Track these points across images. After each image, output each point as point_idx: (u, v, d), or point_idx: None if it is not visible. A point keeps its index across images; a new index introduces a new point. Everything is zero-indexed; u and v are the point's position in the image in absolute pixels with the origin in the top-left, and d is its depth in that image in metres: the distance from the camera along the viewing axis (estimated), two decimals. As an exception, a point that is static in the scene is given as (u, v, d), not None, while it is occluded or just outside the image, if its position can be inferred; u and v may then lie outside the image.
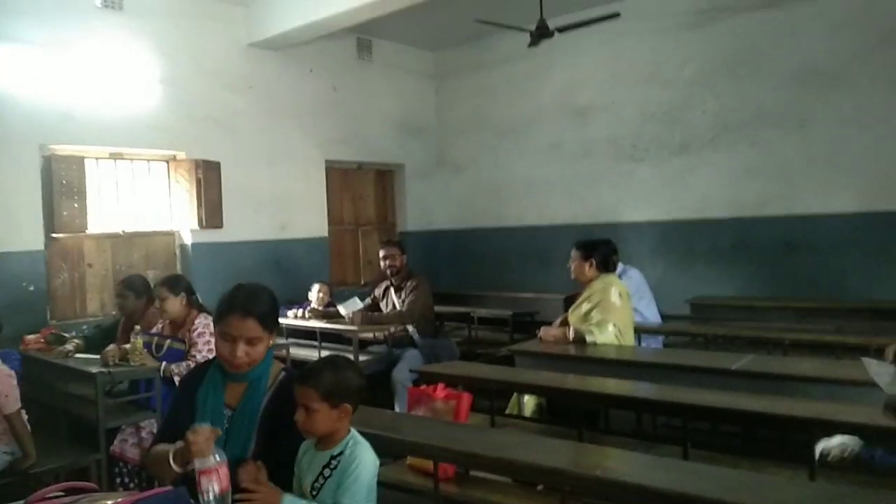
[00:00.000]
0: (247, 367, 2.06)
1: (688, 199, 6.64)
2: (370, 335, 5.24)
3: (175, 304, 3.84)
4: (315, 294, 6.03)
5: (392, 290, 5.47)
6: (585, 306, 4.08)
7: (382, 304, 5.52)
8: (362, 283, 7.64)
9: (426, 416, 3.05)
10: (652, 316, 4.89)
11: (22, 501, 1.65)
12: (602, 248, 4.11)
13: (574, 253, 4.17)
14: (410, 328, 5.23)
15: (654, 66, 6.81)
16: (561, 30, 5.94)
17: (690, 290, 6.20)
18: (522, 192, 7.78)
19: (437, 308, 5.78)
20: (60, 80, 5.36)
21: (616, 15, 5.85)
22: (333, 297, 6.06)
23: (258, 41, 6.54)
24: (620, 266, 4.55)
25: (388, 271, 5.45)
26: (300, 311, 5.82)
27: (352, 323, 5.23)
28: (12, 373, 3.40)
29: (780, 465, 2.60)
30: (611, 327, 3.92)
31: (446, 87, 8.52)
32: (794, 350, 3.97)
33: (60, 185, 5.37)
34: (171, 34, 6.05)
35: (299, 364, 5.02)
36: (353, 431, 1.98)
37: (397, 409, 4.61)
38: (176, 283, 3.91)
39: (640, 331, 4.39)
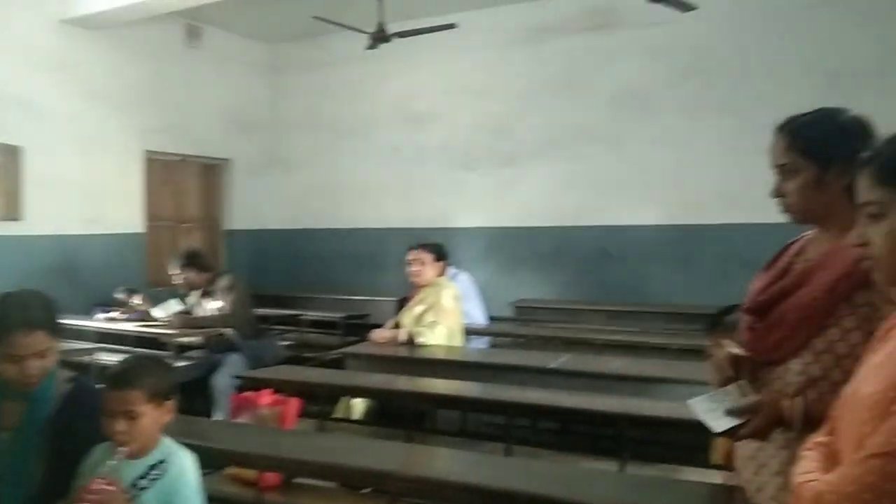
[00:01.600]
0: (37, 381, 1.82)
1: (514, 208, 6.95)
2: (188, 340, 4.92)
3: None
4: (126, 295, 5.53)
5: (204, 298, 5.11)
6: (419, 308, 4.13)
7: (197, 312, 5.15)
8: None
9: (250, 424, 2.92)
10: (479, 318, 5.06)
11: None
12: (443, 252, 4.19)
13: (419, 254, 4.19)
14: (229, 332, 4.96)
15: (487, 80, 7.06)
16: (400, 35, 5.99)
17: (514, 293, 6.49)
18: (357, 195, 7.73)
19: (265, 310, 5.58)
20: None
21: (453, 26, 5.99)
22: (147, 298, 5.63)
23: (73, 18, 5.95)
24: (451, 270, 4.67)
25: (182, 288, 5.16)
26: (113, 314, 5.36)
27: (170, 326, 4.89)
28: None
29: (595, 457, 2.77)
30: (442, 329, 4.00)
31: (281, 82, 8.27)
32: (606, 349, 4.28)
33: None
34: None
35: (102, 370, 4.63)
36: (164, 436, 1.83)
37: (217, 415, 4.37)
38: None
39: (468, 332, 4.52)
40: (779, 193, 1.60)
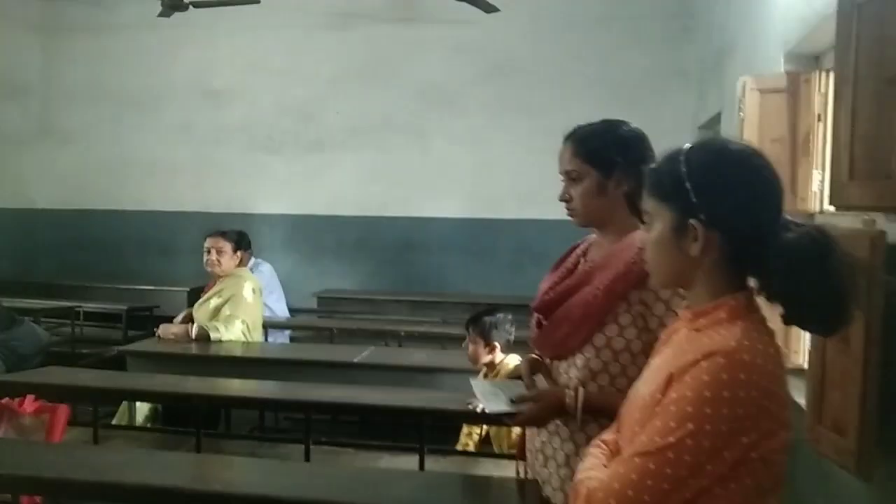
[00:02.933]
0: None
1: (319, 195, 6.79)
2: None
3: None
4: None
5: None
6: (215, 301, 3.86)
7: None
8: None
9: (8, 438, 2.55)
10: (280, 311, 4.87)
11: None
12: (244, 240, 3.94)
13: (217, 241, 3.89)
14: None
15: (292, 61, 6.80)
16: (196, 5, 5.57)
17: (318, 284, 6.36)
18: (145, 173, 7.09)
19: (32, 301, 4.93)
20: None
21: (255, 1, 5.68)
22: None
23: None
24: (252, 259, 4.43)
25: None
26: None
27: None
28: None
29: (396, 452, 2.77)
30: (239, 324, 3.77)
31: (57, 45, 7.32)
32: (408, 341, 4.31)
33: None
34: None
35: None
36: None
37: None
38: None
39: (268, 326, 4.32)
40: (565, 198, 1.69)
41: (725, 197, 1.10)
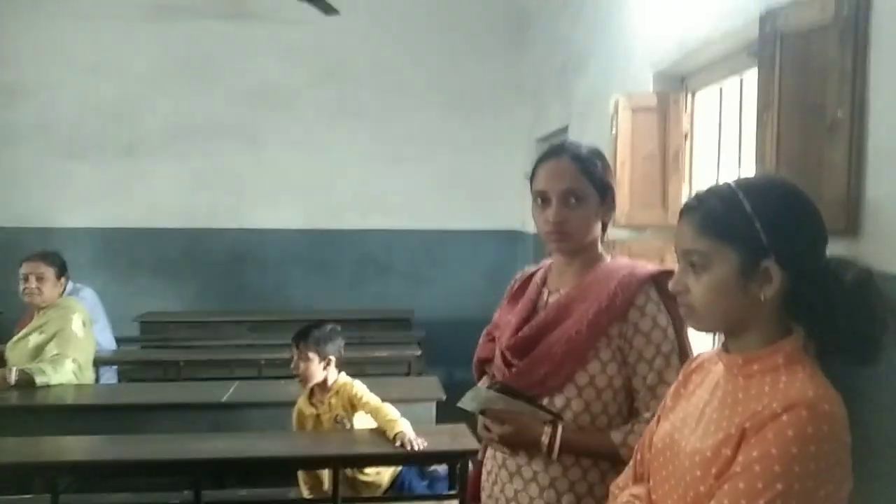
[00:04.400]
0: None
1: (135, 206, 6.05)
2: None
3: None
4: None
5: None
6: (36, 338, 3.22)
7: None
8: None
9: None
10: (107, 342, 4.21)
11: None
12: (64, 265, 3.33)
13: (38, 267, 3.25)
14: None
15: (101, 55, 5.98)
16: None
17: (137, 306, 5.62)
18: None
19: None
20: None
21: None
22: None
23: None
24: (71, 285, 3.77)
25: None
26: None
27: None
28: None
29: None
30: (69, 363, 3.18)
31: None
32: (270, 369, 3.91)
33: None
34: None
35: None
36: None
37: None
38: None
39: (97, 363, 3.70)
40: (560, 218, 1.55)
41: (796, 236, 1.06)
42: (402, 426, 2.59)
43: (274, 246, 6.14)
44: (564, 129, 4.80)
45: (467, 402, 1.62)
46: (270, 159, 6.14)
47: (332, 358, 2.82)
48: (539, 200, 1.60)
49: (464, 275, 6.03)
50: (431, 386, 3.34)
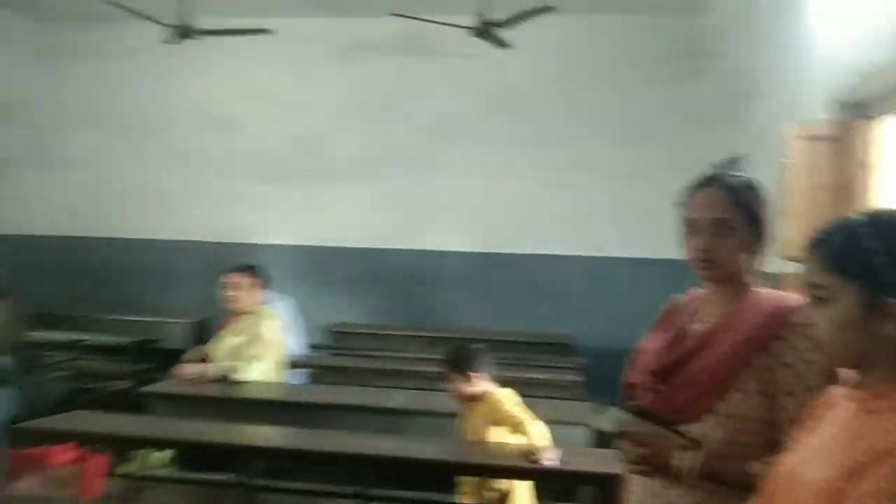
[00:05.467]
0: None
1: (326, 226, 6.70)
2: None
3: None
4: None
5: None
6: (234, 339, 3.71)
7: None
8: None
9: (38, 493, 2.39)
10: (299, 348, 4.72)
11: None
12: (264, 274, 3.81)
13: (237, 277, 3.76)
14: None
15: (299, 92, 6.74)
16: (207, 33, 5.51)
17: (327, 317, 6.21)
18: (146, 201, 6.94)
19: (32, 336, 4.74)
20: None
21: (267, 31, 5.64)
22: None
23: None
24: (270, 294, 4.29)
25: None
26: None
27: None
28: None
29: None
30: (263, 364, 3.63)
31: (58, 68, 7.18)
32: (435, 382, 4.15)
33: None
34: None
35: None
36: None
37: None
38: None
39: (290, 364, 4.17)
40: (708, 247, 1.59)
41: None
42: (537, 440, 2.68)
43: (446, 267, 6.47)
44: (738, 158, 4.64)
45: (604, 423, 1.68)
46: (445, 185, 6.51)
47: (475, 375, 2.97)
48: (689, 228, 1.64)
49: (626, 303, 5.96)
50: (585, 411, 3.39)
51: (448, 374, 2.97)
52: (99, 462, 2.48)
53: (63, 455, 2.48)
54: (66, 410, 3.09)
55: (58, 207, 7.07)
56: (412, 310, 6.45)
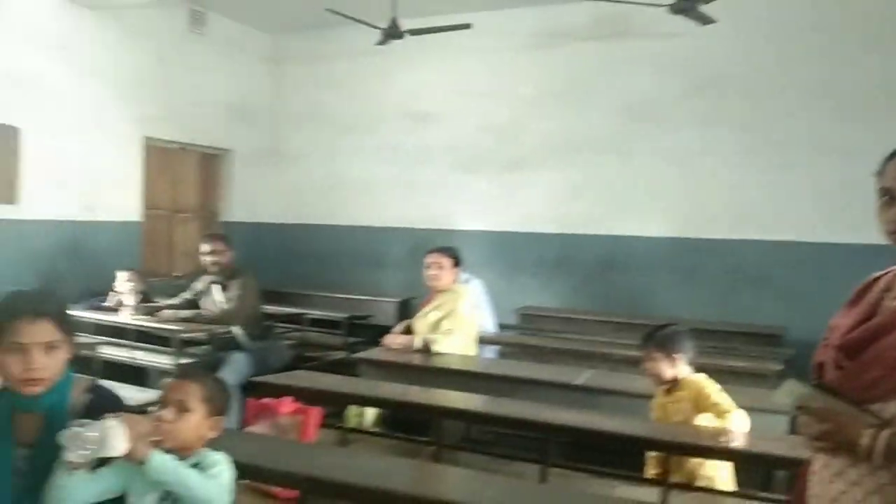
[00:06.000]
0: (46, 385, 1.70)
1: (518, 213, 6.87)
2: (193, 335, 4.78)
3: None
4: (123, 284, 5.41)
5: (215, 287, 5.06)
6: (434, 315, 4.02)
7: (204, 302, 5.09)
8: (176, 274, 7.00)
9: (269, 434, 2.80)
10: (490, 326, 4.96)
11: None
12: (459, 256, 4.09)
13: (438, 257, 4.08)
14: (237, 330, 4.85)
15: (495, 82, 6.97)
16: (413, 32, 5.88)
17: (517, 300, 6.40)
18: (358, 191, 7.60)
19: (265, 308, 5.43)
20: None
21: (468, 26, 5.89)
22: (147, 288, 5.52)
23: (77, -5, 5.76)
24: (464, 275, 4.57)
25: (212, 267, 5.04)
26: (115, 305, 5.25)
27: (174, 321, 4.78)
28: None
29: (633, 482, 2.70)
30: (458, 338, 3.90)
31: (284, 73, 8.11)
32: (622, 365, 4.18)
33: None
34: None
35: (112, 366, 4.49)
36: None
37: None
38: None
39: (479, 341, 4.41)
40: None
41: None
42: (734, 424, 2.61)
43: (641, 253, 6.34)
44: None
45: (781, 397, 1.63)
46: (641, 170, 6.37)
47: (679, 356, 2.94)
48: (885, 198, 1.55)
49: (838, 293, 5.42)
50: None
51: (650, 353, 2.96)
52: (315, 414, 2.84)
53: (286, 406, 2.88)
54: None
55: (284, 198, 7.98)
56: (604, 295, 6.41)
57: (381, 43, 6.00)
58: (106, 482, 1.70)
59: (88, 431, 1.57)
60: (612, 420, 2.88)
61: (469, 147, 7.09)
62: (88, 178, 6.08)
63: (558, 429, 2.77)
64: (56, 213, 5.80)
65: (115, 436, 1.59)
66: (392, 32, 5.92)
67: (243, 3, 6.83)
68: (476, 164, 7.06)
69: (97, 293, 5.50)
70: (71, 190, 5.93)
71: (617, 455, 2.98)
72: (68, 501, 1.65)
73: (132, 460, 1.64)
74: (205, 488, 1.70)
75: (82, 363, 4.23)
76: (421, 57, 7.02)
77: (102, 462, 1.68)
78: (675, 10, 5.07)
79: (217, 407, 1.83)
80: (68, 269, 5.77)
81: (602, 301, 6.37)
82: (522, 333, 5.53)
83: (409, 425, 3.49)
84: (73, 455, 1.57)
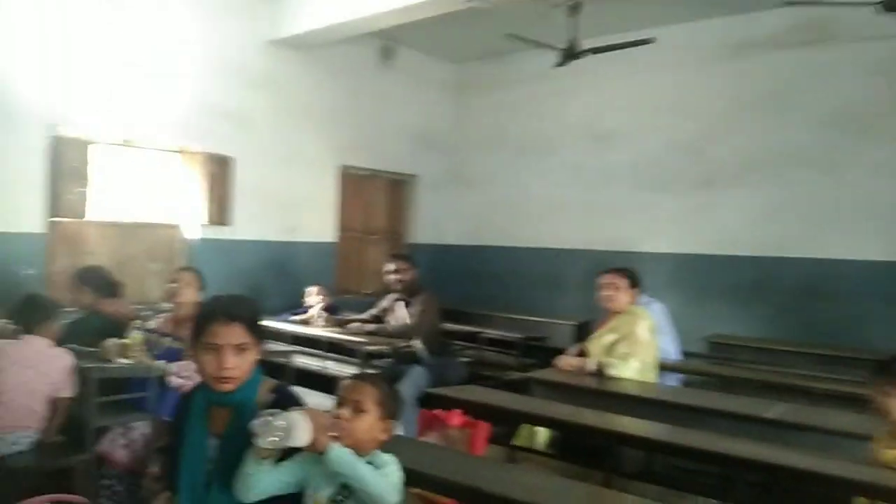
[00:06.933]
0: (235, 383, 1.88)
1: (708, 234, 6.48)
2: (377, 348, 5.03)
3: (193, 295, 3.72)
4: (312, 298, 5.85)
5: (399, 304, 5.30)
6: (610, 337, 3.88)
7: (388, 318, 5.36)
8: (365, 292, 7.42)
9: (439, 444, 2.86)
10: (673, 352, 4.69)
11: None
12: (638, 277, 3.94)
13: (613, 278, 3.95)
14: (417, 344, 5.03)
15: (682, 97, 6.67)
16: (594, 51, 5.81)
17: (705, 328, 5.99)
18: (538, 213, 7.61)
19: (444, 326, 5.58)
20: (74, 62, 5.18)
21: (650, 41, 5.71)
22: (332, 302, 5.91)
23: (280, 39, 6.38)
24: (644, 298, 4.38)
25: (396, 285, 5.29)
26: (305, 317, 5.69)
27: (360, 333, 5.07)
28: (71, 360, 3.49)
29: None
30: (635, 362, 3.73)
31: (466, 100, 8.37)
32: (824, 400, 3.75)
33: (65, 169, 5.18)
34: (194, 25, 5.88)
35: (304, 374, 4.85)
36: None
37: (398, 429, 4.38)
38: (199, 276, 3.84)
39: (661, 367, 4.19)
40: None
41: None
42: None
43: (850, 278, 5.70)
44: None
45: None
46: (849, 185, 5.77)
47: None
48: None
49: None
50: None
51: (882, 387, 2.62)
52: (484, 428, 2.85)
53: (456, 419, 2.91)
54: (463, 388, 3.61)
55: (467, 220, 8.20)
56: (804, 324, 5.82)
57: (561, 64, 5.98)
58: (287, 474, 1.84)
59: (277, 420, 1.71)
60: (815, 459, 2.58)
61: (654, 165, 6.83)
62: (290, 203, 6.68)
63: (750, 464, 2.53)
64: (262, 233, 6.43)
65: (300, 426, 1.72)
66: (571, 53, 5.89)
67: (429, 36, 7.16)
68: (662, 183, 6.77)
69: (295, 306, 5.99)
70: (275, 213, 6.54)
71: (817, 500, 2.68)
72: (254, 489, 1.79)
73: (314, 451, 1.76)
74: (378, 484, 1.78)
75: (278, 369, 4.63)
76: (602, 75, 6.92)
77: (285, 456, 1.82)
78: (887, 7, 4.56)
79: (390, 410, 1.92)
80: (271, 284, 6.37)
81: (802, 330, 5.79)
82: (709, 362, 5.16)
83: (577, 450, 3.39)
84: (262, 441, 1.72)
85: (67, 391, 3.48)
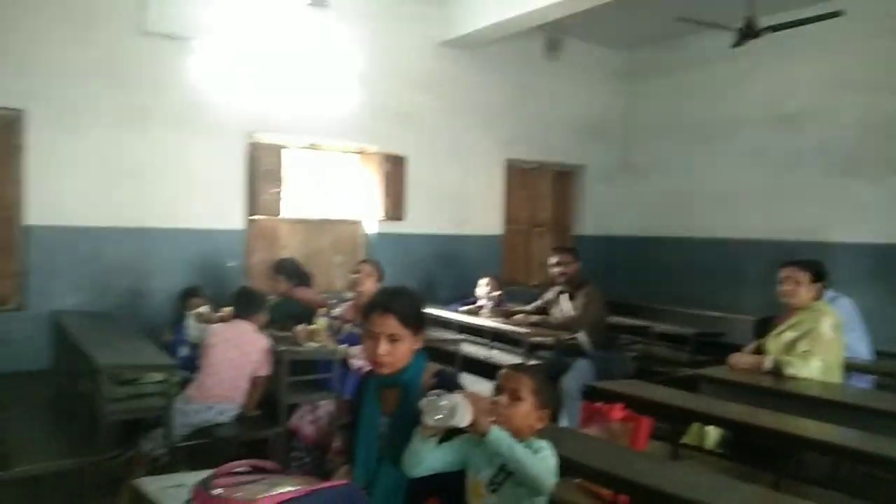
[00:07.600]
0: (389, 368, 2.08)
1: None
2: (541, 339, 5.10)
3: (373, 284, 4.11)
4: (483, 289, 6.01)
5: (563, 297, 5.32)
6: (790, 334, 3.65)
7: (553, 310, 5.40)
8: (531, 284, 7.50)
9: (600, 437, 2.87)
10: (863, 352, 4.30)
11: (212, 471, 1.73)
12: (822, 271, 3.68)
13: (794, 272, 3.72)
14: (581, 337, 5.03)
15: (879, 72, 6.02)
16: (775, 28, 5.43)
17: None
18: (714, 202, 7.25)
19: (610, 319, 5.52)
20: (267, 74, 5.75)
21: (839, 14, 5.25)
22: (503, 293, 6.04)
23: (449, 40, 6.62)
24: (830, 293, 4.06)
25: (559, 278, 5.32)
26: (474, 307, 5.89)
27: (524, 324, 5.18)
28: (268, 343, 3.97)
29: None
30: (817, 361, 3.48)
31: (635, 88, 8.15)
32: None
33: (261, 171, 5.78)
34: (369, 33, 6.29)
35: (471, 361, 5.05)
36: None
37: (563, 421, 4.43)
38: (379, 267, 4.21)
39: (848, 367, 3.86)
40: None
41: None
42: None
43: None
44: None
45: None
46: None
47: None
48: None
49: None
50: None
51: None
52: (646, 424, 2.82)
53: (617, 412, 2.91)
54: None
55: (635, 211, 8.00)
56: None
57: (737, 45, 5.65)
58: (450, 454, 2.00)
59: (441, 401, 1.86)
60: None
61: (847, 148, 6.25)
62: (459, 198, 6.93)
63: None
64: (433, 227, 6.74)
65: (463, 407, 1.86)
66: (749, 32, 5.54)
67: (596, 25, 7.05)
68: (856, 167, 6.18)
69: (464, 296, 6.22)
70: (445, 208, 6.83)
71: None
72: (420, 465, 1.96)
73: (475, 431, 1.90)
74: (535, 465, 1.88)
75: (448, 356, 4.86)
76: (784, 53, 6.44)
77: (449, 436, 1.97)
78: None
79: (545, 400, 2.02)
80: (442, 275, 6.68)
81: None
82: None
83: (747, 452, 3.24)
84: (428, 419, 1.87)
85: (265, 370, 3.93)
